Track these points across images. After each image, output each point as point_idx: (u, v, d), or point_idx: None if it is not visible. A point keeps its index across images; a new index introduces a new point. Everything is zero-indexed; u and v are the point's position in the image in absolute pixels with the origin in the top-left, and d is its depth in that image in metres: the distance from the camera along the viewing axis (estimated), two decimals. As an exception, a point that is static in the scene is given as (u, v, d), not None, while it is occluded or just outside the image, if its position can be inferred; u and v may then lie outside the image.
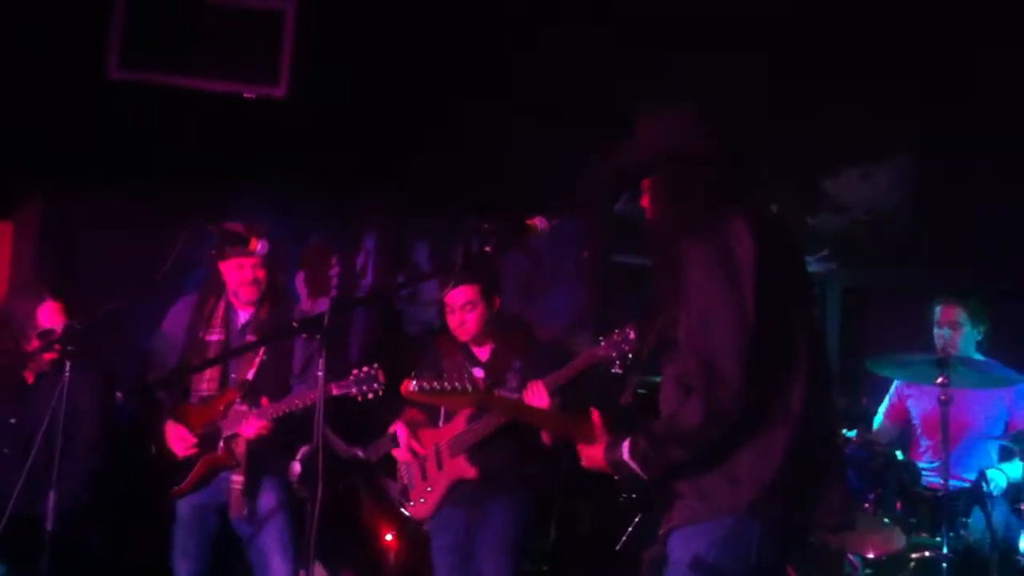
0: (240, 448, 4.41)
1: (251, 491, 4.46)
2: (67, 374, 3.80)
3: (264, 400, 4.39)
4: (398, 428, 4.58)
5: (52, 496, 3.72)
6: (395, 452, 4.57)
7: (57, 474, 3.76)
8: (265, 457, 4.46)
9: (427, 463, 4.54)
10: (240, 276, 4.56)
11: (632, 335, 4.05)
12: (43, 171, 5.84)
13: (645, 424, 2.81)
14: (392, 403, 4.43)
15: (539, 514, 4.61)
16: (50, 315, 4.44)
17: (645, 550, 4.51)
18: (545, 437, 4.35)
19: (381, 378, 4.19)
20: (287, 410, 4.33)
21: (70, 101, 5.59)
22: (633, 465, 2.78)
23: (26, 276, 5.60)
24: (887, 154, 5.91)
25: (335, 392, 4.25)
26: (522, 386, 4.35)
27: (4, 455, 4.28)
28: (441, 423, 4.57)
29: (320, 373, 2.93)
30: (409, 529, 4.98)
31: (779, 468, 2.69)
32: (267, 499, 4.50)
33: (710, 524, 2.74)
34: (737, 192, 2.83)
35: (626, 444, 2.80)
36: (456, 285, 4.41)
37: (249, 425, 4.36)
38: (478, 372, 4.52)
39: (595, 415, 2.96)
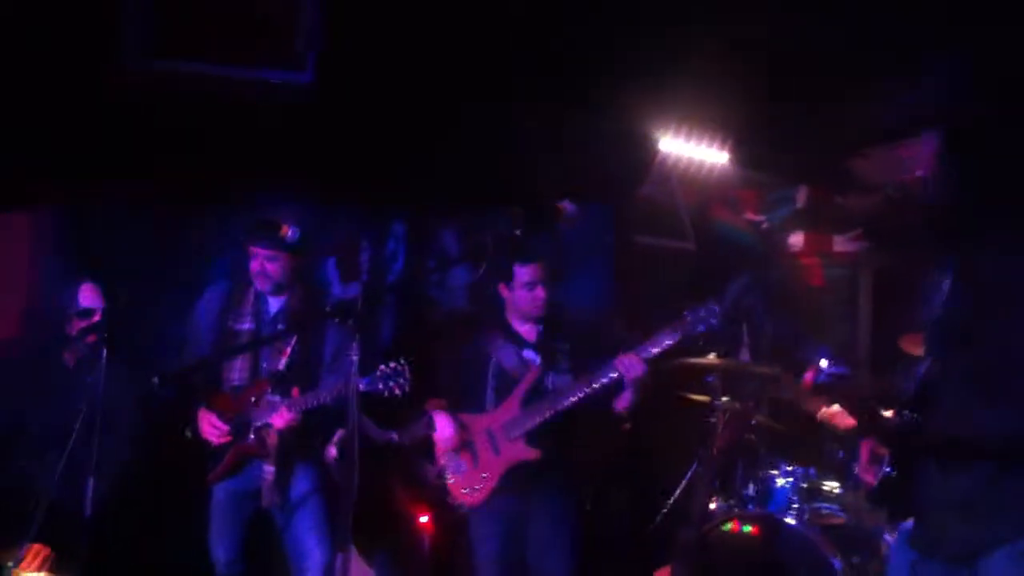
0: (271, 438, 4.44)
1: (283, 480, 4.50)
2: (104, 359, 3.83)
3: (295, 391, 4.42)
4: (438, 414, 4.51)
5: (91, 483, 3.75)
6: (438, 438, 4.50)
7: (95, 461, 3.78)
8: (297, 446, 4.50)
9: (479, 448, 4.45)
10: (252, 266, 4.60)
11: (718, 310, 4.04)
12: (65, 162, 5.88)
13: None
14: (425, 388, 4.45)
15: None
16: (89, 296, 4.47)
17: (679, 532, 4.55)
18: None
19: (407, 374, 4.18)
20: (317, 403, 4.36)
21: (91, 91, 5.62)
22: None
23: (53, 265, 5.64)
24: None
25: (361, 388, 4.25)
26: (574, 366, 4.37)
27: (45, 438, 4.28)
28: (489, 407, 4.50)
29: (354, 357, 2.95)
30: (444, 513, 4.98)
31: None
32: (301, 485, 4.55)
33: None
34: None
35: None
36: (529, 261, 4.43)
37: (279, 416, 4.39)
38: (528, 354, 4.52)
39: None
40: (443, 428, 4.47)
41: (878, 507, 3.60)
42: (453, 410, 4.51)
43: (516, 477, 4.39)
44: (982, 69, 2.69)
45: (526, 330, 4.56)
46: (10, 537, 3.88)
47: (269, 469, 4.46)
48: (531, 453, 4.36)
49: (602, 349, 4.33)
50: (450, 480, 4.47)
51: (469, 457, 4.45)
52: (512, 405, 4.43)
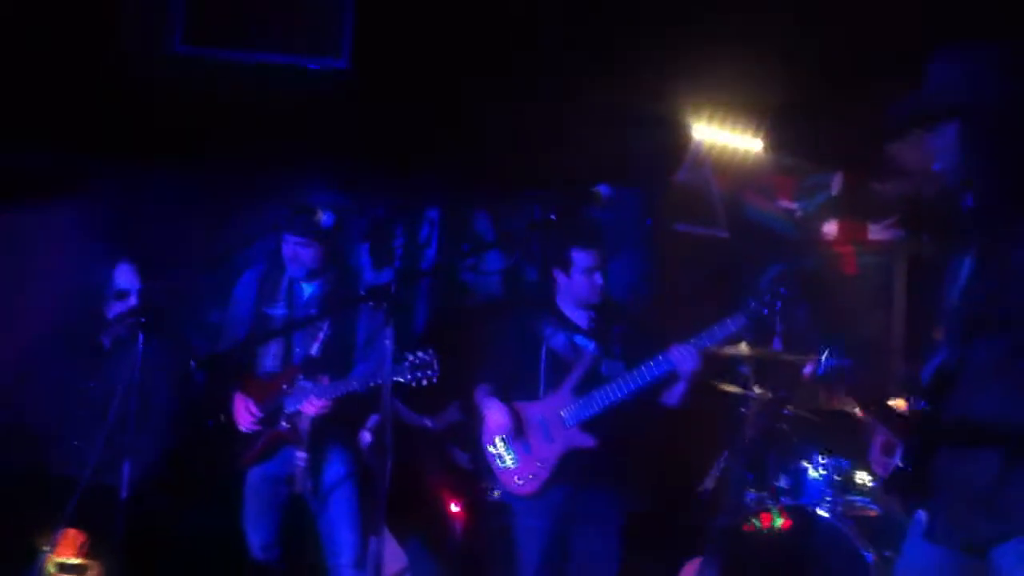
0: (303, 424, 4.46)
1: (315, 466, 4.52)
2: (140, 343, 3.83)
3: (325, 379, 4.43)
4: (488, 400, 4.42)
5: (127, 466, 3.76)
6: (490, 424, 4.38)
7: (132, 445, 3.80)
8: (329, 432, 4.51)
9: (533, 436, 4.34)
10: (285, 252, 4.61)
11: (779, 305, 4.00)
12: (105, 147, 5.92)
13: None
14: (458, 373, 4.44)
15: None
16: (126, 276, 4.49)
17: (710, 524, 4.53)
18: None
19: (436, 364, 4.15)
20: (347, 390, 4.36)
21: (134, 76, 5.66)
22: None
23: (92, 249, 5.69)
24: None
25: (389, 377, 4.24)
26: (626, 353, 4.32)
27: (82, 420, 4.32)
28: (541, 394, 4.39)
29: (387, 342, 2.95)
30: (475, 501, 4.98)
31: None
32: (334, 471, 4.56)
33: None
34: None
35: None
36: (589, 246, 4.36)
37: (310, 404, 4.41)
38: (581, 340, 4.44)
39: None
40: (495, 414, 4.37)
41: (890, 497, 3.65)
42: (503, 397, 4.42)
43: (570, 467, 4.28)
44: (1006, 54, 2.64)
45: (579, 316, 4.47)
46: (46, 522, 3.90)
47: (302, 455, 4.47)
48: (587, 441, 4.26)
49: (651, 338, 4.28)
50: (502, 468, 4.36)
51: (522, 445, 4.34)
52: (566, 392, 4.33)
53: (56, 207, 6.11)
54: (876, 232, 6.09)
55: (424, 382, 4.15)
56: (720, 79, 5.28)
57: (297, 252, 4.59)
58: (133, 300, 4.41)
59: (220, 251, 5.93)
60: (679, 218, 6.11)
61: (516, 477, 4.33)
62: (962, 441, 2.58)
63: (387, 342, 3.00)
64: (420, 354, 4.14)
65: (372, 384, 4.29)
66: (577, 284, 4.42)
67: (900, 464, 2.76)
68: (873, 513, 4.70)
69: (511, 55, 5.62)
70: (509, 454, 4.35)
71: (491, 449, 4.39)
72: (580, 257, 4.39)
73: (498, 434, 4.36)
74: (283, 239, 4.62)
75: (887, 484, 2.87)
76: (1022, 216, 2.57)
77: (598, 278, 4.40)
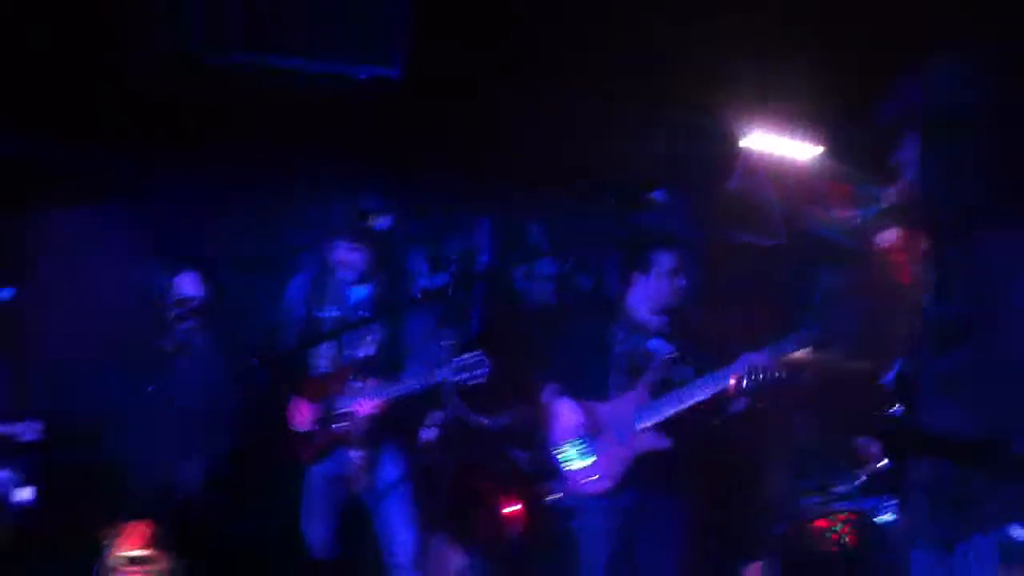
0: (357, 425, 4.51)
1: (371, 465, 4.56)
2: (202, 344, 3.90)
3: (375, 380, 4.48)
4: (559, 401, 4.37)
5: (191, 464, 3.82)
6: (562, 424, 4.34)
7: (195, 444, 3.85)
8: (385, 432, 4.55)
9: (605, 437, 4.30)
10: (335, 256, 4.67)
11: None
12: (165, 151, 6.01)
13: None
14: (513, 375, 4.45)
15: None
16: (187, 282, 4.55)
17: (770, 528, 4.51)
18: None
19: (486, 364, 4.18)
20: (398, 392, 4.41)
21: (188, 84, 5.74)
22: None
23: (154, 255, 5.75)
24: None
25: (437, 379, 4.27)
26: (697, 361, 4.28)
27: (145, 421, 4.39)
28: (613, 396, 4.35)
29: (446, 342, 2.98)
30: (533, 502, 4.98)
31: None
32: (390, 471, 4.60)
33: None
34: None
35: None
36: (672, 248, 4.35)
37: (362, 405, 4.46)
38: (655, 343, 4.40)
39: None
40: (568, 414, 4.33)
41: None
42: (573, 397, 4.38)
43: (642, 469, 4.25)
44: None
45: (651, 320, 4.43)
46: (110, 516, 3.96)
47: (356, 454, 4.53)
48: (659, 444, 4.22)
49: (719, 345, 4.25)
50: (573, 468, 4.32)
51: (593, 445, 4.30)
52: (640, 394, 4.30)
53: (115, 211, 6.21)
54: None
55: (472, 382, 4.17)
56: (775, 85, 5.29)
57: (347, 256, 4.66)
58: (194, 304, 4.46)
59: (275, 255, 6.00)
60: (732, 226, 6.10)
61: (586, 477, 4.29)
62: (919, 444, 2.64)
63: (445, 342, 3.02)
64: (469, 355, 4.17)
65: (422, 386, 4.34)
66: (658, 286, 4.38)
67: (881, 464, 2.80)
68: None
69: (563, 65, 5.65)
70: (580, 454, 4.32)
71: (561, 449, 4.35)
72: (663, 259, 4.37)
73: (570, 434, 4.33)
74: (333, 244, 4.68)
75: (867, 483, 2.91)
76: (976, 231, 2.57)
77: (680, 280, 4.39)
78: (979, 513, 2.55)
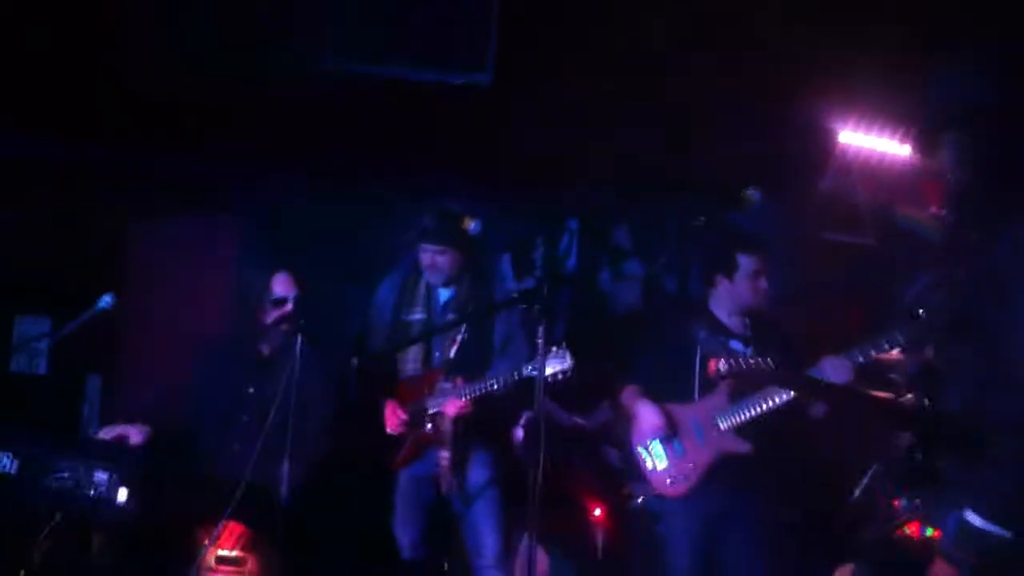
0: (446, 425, 4.55)
1: (458, 466, 4.59)
2: (299, 348, 3.95)
3: (459, 380, 4.52)
4: (640, 402, 4.38)
5: (286, 466, 3.87)
6: (642, 425, 4.35)
7: (291, 447, 3.90)
8: (473, 433, 4.59)
9: (686, 439, 4.31)
10: (423, 260, 4.73)
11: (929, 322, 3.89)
12: (262, 162, 6.14)
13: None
14: (604, 375, 4.46)
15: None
16: (283, 285, 4.59)
17: (861, 531, 4.44)
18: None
19: (569, 358, 4.18)
20: (484, 391, 4.44)
21: (286, 93, 5.85)
22: None
23: (251, 261, 5.88)
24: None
25: (523, 374, 4.30)
26: (780, 361, 4.24)
27: (243, 423, 4.47)
28: (696, 397, 4.35)
29: (540, 340, 3.00)
30: (619, 505, 4.96)
31: None
32: (477, 474, 4.64)
33: None
34: None
35: None
36: (756, 250, 4.37)
37: (451, 405, 4.50)
38: (736, 345, 4.39)
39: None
40: (647, 416, 4.34)
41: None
42: (656, 399, 4.39)
43: (723, 473, 4.26)
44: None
45: (734, 322, 4.43)
46: (209, 518, 4.03)
47: (444, 455, 4.56)
48: (742, 446, 4.22)
49: (803, 347, 4.23)
50: (653, 469, 4.34)
51: (674, 446, 4.32)
52: (721, 396, 4.29)
53: (214, 218, 6.37)
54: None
55: (560, 379, 4.19)
56: (868, 83, 5.20)
57: (435, 260, 4.71)
58: (290, 307, 4.53)
59: (366, 260, 6.09)
60: (825, 226, 6.01)
61: (668, 479, 4.31)
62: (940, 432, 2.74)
63: (539, 340, 3.04)
64: (554, 352, 4.17)
65: (509, 383, 4.37)
66: (741, 289, 4.40)
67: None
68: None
69: (650, 68, 5.63)
70: (661, 455, 4.33)
71: (642, 450, 4.37)
72: (746, 261, 4.38)
73: (651, 435, 4.34)
74: (421, 248, 4.73)
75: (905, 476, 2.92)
76: (988, 229, 2.63)
77: (763, 283, 4.38)
78: (949, 496, 2.64)
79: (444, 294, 4.79)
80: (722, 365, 3.44)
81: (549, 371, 4.13)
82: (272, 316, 4.55)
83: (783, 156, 5.47)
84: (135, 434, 4.32)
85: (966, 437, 2.58)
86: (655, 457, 4.35)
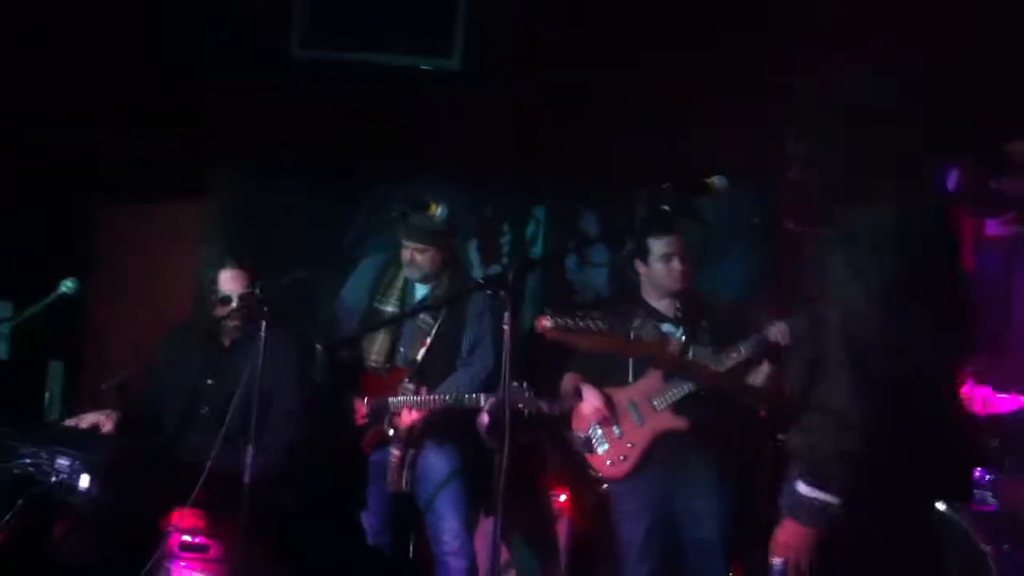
0: (400, 425, 4.57)
1: (418, 457, 4.60)
2: (262, 340, 3.87)
3: (422, 390, 4.53)
4: (582, 385, 4.45)
5: (250, 453, 3.83)
6: (584, 410, 4.43)
7: (254, 436, 3.86)
8: (431, 432, 4.60)
9: (623, 420, 4.38)
10: (403, 255, 4.69)
11: None
12: (231, 147, 6.11)
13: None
14: (572, 360, 4.48)
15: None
16: (229, 282, 4.50)
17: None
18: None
19: (528, 398, 4.29)
20: (445, 406, 4.48)
21: (256, 80, 5.83)
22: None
23: (216, 249, 5.84)
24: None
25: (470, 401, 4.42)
26: (715, 340, 4.32)
27: (203, 415, 4.44)
28: (631, 378, 4.45)
29: (506, 326, 2.99)
30: (583, 491, 4.97)
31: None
32: (439, 462, 4.64)
33: None
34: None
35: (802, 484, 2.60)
36: (664, 233, 4.40)
37: (406, 415, 4.53)
38: (668, 328, 4.44)
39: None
40: (589, 400, 4.42)
41: None
42: (594, 384, 4.45)
43: (664, 450, 4.34)
44: None
45: (664, 305, 4.49)
46: (172, 505, 4.01)
47: (395, 453, 4.57)
48: (679, 423, 4.31)
49: (746, 328, 4.28)
50: (594, 453, 4.42)
51: (612, 429, 4.39)
52: (655, 377, 4.38)
53: (186, 210, 6.33)
54: (994, 228, 5.95)
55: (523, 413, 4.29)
56: (833, 75, 5.22)
57: (414, 257, 4.67)
58: (234, 305, 4.45)
59: (335, 247, 6.06)
60: (794, 215, 6.03)
61: (607, 461, 4.38)
62: None
63: (505, 326, 3.03)
64: (515, 386, 4.17)
65: (459, 402, 4.44)
66: (656, 272, 4.45)
67: None
68: (989, 507, 4.61)
69: (617, 53, 5.64)
70: (601, 439, 4.41)
71: (582, 434, 4.45)
72: (656, 245, 4.43)
73: (592, 419, 4.42)
74: (402, 242, 4.69)
75: None
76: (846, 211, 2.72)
77: (677, 264, 4.42)
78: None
79: (422, 291, 4.76)
80: (546, 322, 3.44)
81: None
82: (218, 313, 4.50)
83: (752, 145, 5.50)
84: (107, 422, 4.29)
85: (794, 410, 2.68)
86: (596, 441, 4.42)
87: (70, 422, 4.38)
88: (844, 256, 2.65)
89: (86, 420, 4.32)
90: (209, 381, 4.47)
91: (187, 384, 4.50)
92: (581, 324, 3.15)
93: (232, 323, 4.44)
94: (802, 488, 2.58)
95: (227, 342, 4.53)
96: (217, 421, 4.19)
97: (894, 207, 2.66)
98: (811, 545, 2.59)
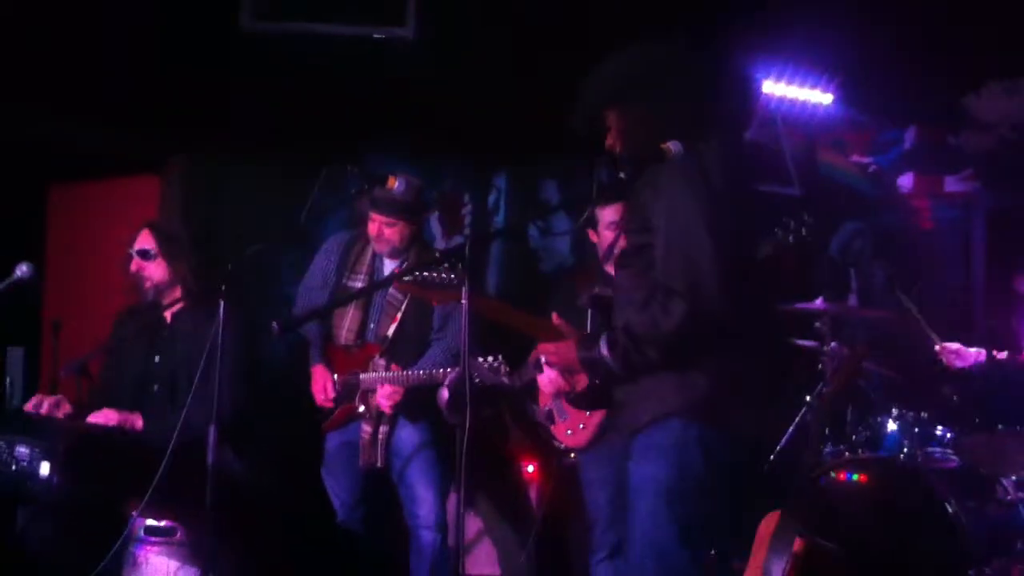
0: (373, 404, 4.53)
1: (390, 433, 4.57)
2: (221, 316, 3.81)
3: (395, 366, 4.49)
4: (541, 357, 4.35)
5: (212, 432, 3.79)
6: (542, 381, 4.28)
7: (206, 413, 3.82)
8: (404, 407, 4.55)
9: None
10: (371, 229, 4.63)
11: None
12: (185, 124, 6.02)
13: (623, 324, 3.02)
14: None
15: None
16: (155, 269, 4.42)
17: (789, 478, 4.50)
18: None
19: (504, 369, 4.22)
20: (419, 380, 4.43)
21: (207, 55, 5.74)
22: (611, 361, 3.01)
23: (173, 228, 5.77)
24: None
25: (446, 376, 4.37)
26: None
27: (154, 392, 4.38)
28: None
29: (464, 301, 2.97)
30: (552, 461, 4.98)
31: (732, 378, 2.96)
32: (410, 436, 4.60)
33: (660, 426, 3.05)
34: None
35: (604, 340, 3.00)
36: (609, 202, 4.34)
37: (383, 392, 4.48)
38: None
39: (555, 317, 3.30)
40: (547, 372, 4.28)
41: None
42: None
43: (621, 417, 4.35)
44: None
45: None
46: (136, 489, 3.97)
47: (367, 429, 4.55)
48: None
49: None
50: (554, 423, 4.41)
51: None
52: None
53: (142, 186, 6.25)
54: (953, 184, 5.99)
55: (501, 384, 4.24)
56: (791, 33, 5.22)
57: (383, 230, 4.59)
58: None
59: (293, 223, 6.00)
60: (751, 176, 6.04)
61: (567, 430, 4.38)
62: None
63: (463, 301, 3.02)
64: (491, 361, 4.18)
65: (435, 378, 4.39)
66: (605, 240, 4.41)
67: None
68: (953, 464, 4.66)
69: (574, 20, 5.60)
70: (561, 409, 4.40)
71: (544, 407, 4.45)
72: (602, 213, 4.39)
73: (550, 390, 4.32)
74: (369, 215, 4.63)
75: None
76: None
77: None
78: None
79: (390, 266, 4.69)
80: (406, 278, 3.54)
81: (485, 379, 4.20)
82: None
83: (707, 108, 5.48)
84: (60, 407, 4.24)
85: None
86: (557, 411, 4.42)
87: (28, 406, 4.31)
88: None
89: (44, 405, 4.25)
90: (156, 359, 4.41)
91: (138, 363, 4.44)
92: (431, 277, 3.22)
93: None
94: (603, 347, 3.02)
95: (168, 317, 4.46)
96: (167, 398, 4.18)
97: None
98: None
